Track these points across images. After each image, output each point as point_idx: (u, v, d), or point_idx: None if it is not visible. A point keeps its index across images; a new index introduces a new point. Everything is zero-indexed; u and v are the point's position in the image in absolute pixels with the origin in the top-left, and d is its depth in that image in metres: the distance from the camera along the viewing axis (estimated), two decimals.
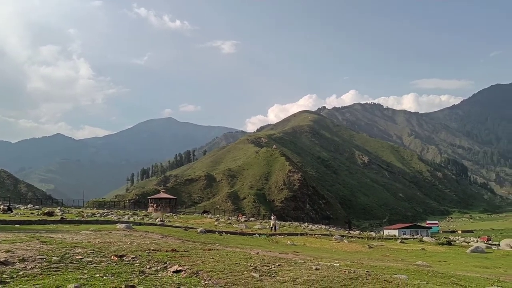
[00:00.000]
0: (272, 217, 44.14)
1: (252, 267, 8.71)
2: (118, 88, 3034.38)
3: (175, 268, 8.14)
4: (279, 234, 35.54)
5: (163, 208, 74.08)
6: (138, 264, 8.46)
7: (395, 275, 10.18)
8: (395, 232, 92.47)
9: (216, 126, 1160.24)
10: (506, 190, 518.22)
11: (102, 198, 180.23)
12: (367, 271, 9.22)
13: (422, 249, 33.32)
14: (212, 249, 12.09)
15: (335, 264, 11.61)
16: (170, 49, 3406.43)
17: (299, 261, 11.17)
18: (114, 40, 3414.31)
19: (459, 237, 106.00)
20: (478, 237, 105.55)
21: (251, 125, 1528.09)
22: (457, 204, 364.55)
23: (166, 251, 10.50)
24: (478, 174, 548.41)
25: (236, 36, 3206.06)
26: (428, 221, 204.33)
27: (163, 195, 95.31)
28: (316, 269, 8.89)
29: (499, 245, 47.47)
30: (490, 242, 64.61)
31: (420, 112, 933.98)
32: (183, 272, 7.92)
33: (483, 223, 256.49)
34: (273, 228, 39.34)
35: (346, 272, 8.63)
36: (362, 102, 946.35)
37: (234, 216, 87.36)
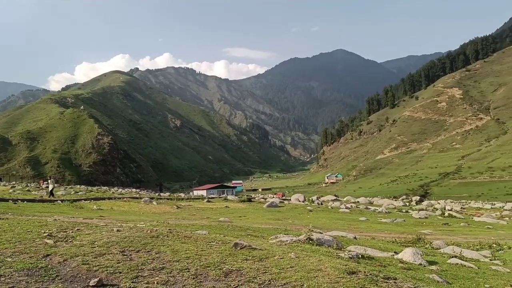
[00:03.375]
0: (49, 181, 38.15)
1: (47, 234, 8.09)
2: None
3: None
4: (85, 199, 33.61)
5: None
6: None
7: (196, 231, 10.74)
8: (203, 193, 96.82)
9: (12, 82, 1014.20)
10: (298, 152, 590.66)
11: None
12: (169, 229, 9.50)
13: (226, 206, 35.83)
14: (1, 219, 10.79)
15: (139, 225, 11.62)
16: None
17: (101, 224, 10.83)
18: None
19: (259, 194, 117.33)
20: (275, 193, 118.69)
21: (55, 83, 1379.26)
22: (259, 165, 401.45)
23: None
24: (277, 138, 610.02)
25: None
26: (233, 181, 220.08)
27: None
28: (117, 230, 8.75)
29: (290, 200, 54.17)
30: (284, 197, 73.24)
31: (230, 79, 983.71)
32: None
33: (280, 181, 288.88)
34: (51, 193, 34.56)
35: (149, 231, 8.73)
36: (176, 66, 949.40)
37: (34, 182, 79.28)
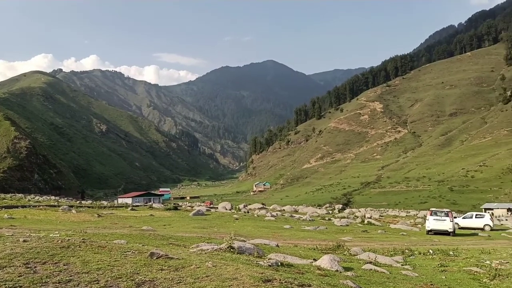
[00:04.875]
0: None
1: None
2: None
3: None
4: None
5: None
6: None
7: (114, 241, 10.30)
8: (129, 201, 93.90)
9: None
10: (228, 160, 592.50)
11: None
12: (82, 239, 9.01)
13: (151, 215, 34.90)
14: None
15: (53, 235, 10.92)
16: None
17: (7, 234, 10.04)
18: None
19: (187, 202, 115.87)
20: (203, 201, 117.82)
21: None
22: (188, 173, 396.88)
23: None
24: (206, 146, 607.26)
25: None
26: (161, 189, 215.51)
27: None
28: (24, 241, 8.15)
29: (217, 208, 54.03)
30: (212, 205, 72.91)
31: (160, 85, 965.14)
32: None
33: (209, 189, 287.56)
34: None
35: (59, 241, 8.21)
36: (103, 69, 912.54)
37: None
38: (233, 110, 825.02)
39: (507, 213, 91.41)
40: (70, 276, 6.01)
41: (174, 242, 13.07)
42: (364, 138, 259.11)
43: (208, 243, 12.19)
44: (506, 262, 14.18)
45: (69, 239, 8.73)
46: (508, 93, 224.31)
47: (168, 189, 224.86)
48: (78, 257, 7.00)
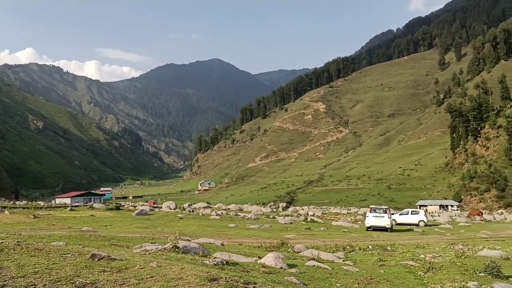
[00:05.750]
0: None
1: None
2: None
3: None
4: None
5: None
6: None
7: (52, 243, 9.86)
8: (68, 201, 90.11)
9: None
10: (172, 159, 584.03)
11: None
12: (17, 242, 8.55)
13: (91, 215, 33.68)
14: None
15: None
16: None
17: None
18: None
19: (130, 202, 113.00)
20: (146, 201, 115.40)
21: None
22: (131, 172, 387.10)
23: None
24: (150, 144, 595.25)
25: None
26: (102, 188, 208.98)
27: None
28: None
29: (161, 207, 53.14)
30: (156, 205, 71.59)
31: (101, 81, 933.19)
32: None
33: (152, 188, 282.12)
34: None
35: None
36: (40, 63, 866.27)
37: None
38: (178, 108, 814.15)
39: (440, 210, 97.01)
40: (4, 281, 5.69)
41: (117, 243, 12.72)
42: (307, 137, 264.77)
43: (152, 243, 11.98)
44: (439, 256, 15.04)
45: (2, 242, 8.27)
46: (441, 96, 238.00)
47: (110, 189, 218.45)
48: (13, 261, 6.64)
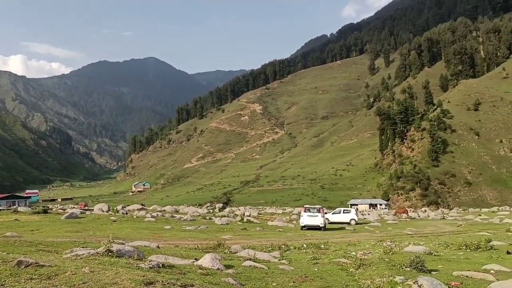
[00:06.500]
0: None
1: None
2: None
3: None
4: None
5: None
6: None
7: None
8: None
9: None
10: (105, 159, 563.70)
11: None
12: None
13: (16, 219, 31.68)
14: None
15: None
16: None
17: None
18: None
19: (58, 205, 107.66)
20: (77, 203, 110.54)
21: None
22: (59, 173, 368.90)
23: None
24: (81, 144, 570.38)
25: None
26: (27, 191, 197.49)
27: None
28: None
29: (93, 210, 51.11)
30: (87, 207, 68.70)
31: (28, 77, 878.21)
32: None
33: (83, 190, 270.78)
34: None
35: None
36: None
37: None
38: (111, 107, 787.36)
39: (369, 208, 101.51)
40: None
41: (45, 248, 12.11)
42: (244, 138, 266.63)
43: (83, 247, 11.54)
44: (369, 253, 15.78)
45: None
46: (371, 99, 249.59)
47: (36, 191, 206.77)
48: None
